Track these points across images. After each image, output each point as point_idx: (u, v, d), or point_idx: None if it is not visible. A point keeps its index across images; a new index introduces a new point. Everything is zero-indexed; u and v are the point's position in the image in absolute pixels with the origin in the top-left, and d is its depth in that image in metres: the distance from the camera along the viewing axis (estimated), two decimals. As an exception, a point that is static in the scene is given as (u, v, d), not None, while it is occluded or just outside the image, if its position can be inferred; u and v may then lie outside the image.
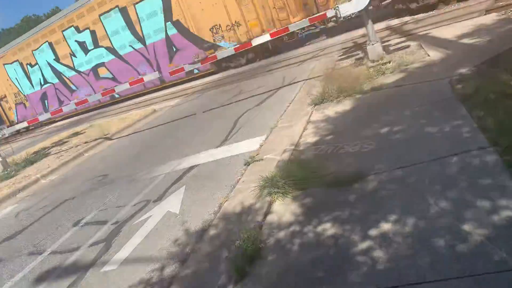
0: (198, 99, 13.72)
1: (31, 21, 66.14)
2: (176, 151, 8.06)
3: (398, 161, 4.10)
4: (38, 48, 23.89)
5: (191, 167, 6.75)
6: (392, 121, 5.15)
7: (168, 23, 18.57)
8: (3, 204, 8.70)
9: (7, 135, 12.11)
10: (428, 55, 7.59)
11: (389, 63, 7.96)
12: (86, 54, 21.84)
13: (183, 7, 17.84)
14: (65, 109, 12.08)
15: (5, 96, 27.84)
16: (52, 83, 24.48)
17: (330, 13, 8.33)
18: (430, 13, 12.93)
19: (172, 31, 18.67)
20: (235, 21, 16.84)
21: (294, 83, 10.17)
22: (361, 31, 13.78)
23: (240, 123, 8.33)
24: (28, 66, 25.04)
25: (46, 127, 24.95)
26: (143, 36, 19.52)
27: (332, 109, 6.57)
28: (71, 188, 8.19)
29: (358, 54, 10.09)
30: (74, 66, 22.74)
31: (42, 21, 64.15)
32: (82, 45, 21.72)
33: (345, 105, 6.57)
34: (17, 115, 27.79)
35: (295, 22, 13.85)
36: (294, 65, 12.97)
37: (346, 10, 7.93)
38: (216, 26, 17.46)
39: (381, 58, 8.22)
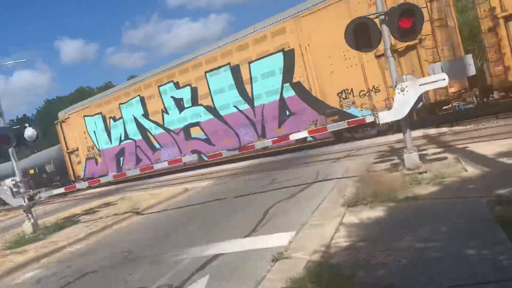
0: (229, 183, 13.91)
1: (85, 92, 70.82)
2: (203, 235, 8.03)
3: (432, 281, 3.95)
4: (126, 102, 23.57)
5: (217, 255, 6.67)
6: (427, 236, 5.04)
7: (286, 85, 17.56)
8: (27, 267, 8.74)
9: (43, 199, 12.47)
10: (466, 170, 7.56)
11: (425, 173, 7.95)
12: (180, 111, 21.24)
13: (308, 69, 16.88)
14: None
15: (77, 149, 27.34)
16: (133, 139, 23.81)
17: (369, 119, 8.56)
18: (468, 126, 13.07)
19: (289, 93, 17.55)
20: (373, 86, 15.76)
21: (328, 179, 10.22)
22: (397, 136, 14.02)
23: (270, 214, 8.31)
24: (111, 119, 24.55)
25: (81, 193, 25.52)
26: (252, 97, 18.43)
27: (366, 214, 6.51)
28: (95, 260, 8.19)
29: (394, 159, 10.15)
30: (163, 123, 22.13)
31: (95, 93, 68.90)
32: (178, 102, 21.21)
33: (379, 211, 6.50)
34: (84, 171, 27.05)
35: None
36: (329, 162, 13.12)
37: (385, 118, 8.16)
38: (346, 91, 16.25)
39: (417, 167, 8.23)
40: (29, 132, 12.47)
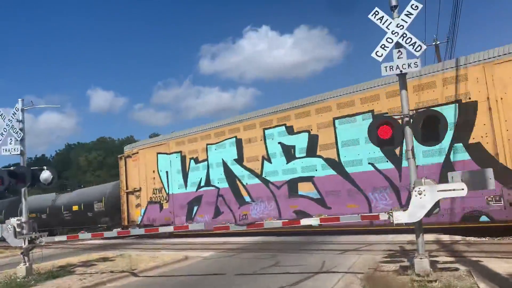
0: (231, 258, 13.57)
1: (106, 142, 72.36)
2: (197, 311, 7.72)
3: None
4: (217, 143, 20.47)
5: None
6: None
7: (458, 145, 13.87)
8: (11, 314, 8.45)
9: (43, 243, 12.31)
10: (478, 287, 7.27)
11: (435, 282, 7.66)
12: (288, 161, 17.95)
13: (496, 128, 13.19)
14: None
15: (139, 190, 23.89)
16: (216, 186, 20.37)
17: (383, 216, 8.46)
18: (483, 238, 12.75)
19: (461, 156, 13.76)
20: None
21: (333, 272, 9.90)
22: (409, 236, 13.70)
23: (269, 300, 8.00)
24: (191, 161, 21.38)
25: (81, 242, 25.08)
26: (400, 154, 14.50)
27: (369, 317, 6.21)
28: (82, 319, 7.89)
29: (404, 261, 9.84)
30: (261, 172, 18.74)
31: (116, 145, 70.11)
32: (287, 149, 17.99)
33: (383, 316, 6.21)
34: (143, 216, 23.43)
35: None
36: (336, 252, 12.79)
37: (399, 218, 8.05)
38: None
39: (427, 275, 7.94)
40: (46, 174, 12.66)
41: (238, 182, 19.58)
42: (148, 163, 23.38)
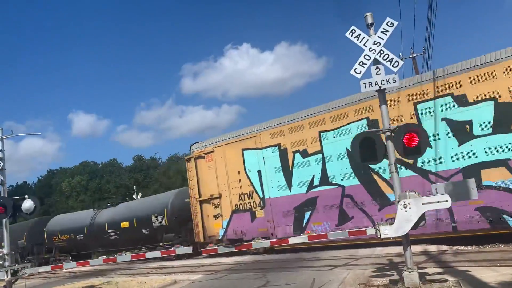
0: (221, 280, 13.40)
1: (89, 165, 71.40)
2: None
3: None
4: (336, 129, 16.07)
5: None
6: None
7: None
8: None
9: (27, 274, 12.00)
10: (467, 298, 7.30)
11: (425, 295, 7.69)
12: (461, 143, 13.46)
13: None
14: (292, 240, 9.60)
15: (219, 197, 19.45)
16: (339, 184, 15.94)
17: (370, 231, 8.50)
18: (470, 247, 12.87)
19: None
20: None
21: (323, 290, 9.86)
22: (397, 248, 13.76)
23: (261, 322, 7.90)
24: (296, 154, 17.08)
25: (66, 271, 24.46)
26: None
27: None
28: None
29: (393, 275, 9.86)
30: (415, 161, 14.06)
31: (99, 169, 69.10)
32: (459, 127, 13.47)
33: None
34: (226, 230, 18.95)
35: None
36: (326, 268, 12.74)
37: (386, 232, 8.10)
38: None
39: (416, 288, 7.97)
40: (27, 204, 12.41)
41: (375, 176, 15.12)
42: (230, 163, 19.08)
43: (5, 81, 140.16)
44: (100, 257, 11.73)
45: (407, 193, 8.15)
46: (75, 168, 71.36)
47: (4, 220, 12.28)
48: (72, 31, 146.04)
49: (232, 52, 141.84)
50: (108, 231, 26.06)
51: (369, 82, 8.70)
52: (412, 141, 8.10)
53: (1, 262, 11.70)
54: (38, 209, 12.71)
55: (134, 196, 44.17)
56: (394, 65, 8.59)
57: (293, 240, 9.16)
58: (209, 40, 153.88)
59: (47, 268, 11.96)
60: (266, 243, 9.49)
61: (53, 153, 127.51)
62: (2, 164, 12.38)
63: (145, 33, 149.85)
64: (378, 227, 8.30)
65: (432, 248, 13.69)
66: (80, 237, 28.00)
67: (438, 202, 7.79)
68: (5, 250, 11.89)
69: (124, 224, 25.04)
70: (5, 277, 11.58)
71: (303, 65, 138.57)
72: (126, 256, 12.31)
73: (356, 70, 8.80)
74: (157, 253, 11.01)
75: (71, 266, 11.97)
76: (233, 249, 9.80)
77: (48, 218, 33.54)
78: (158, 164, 73.21)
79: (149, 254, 10.80)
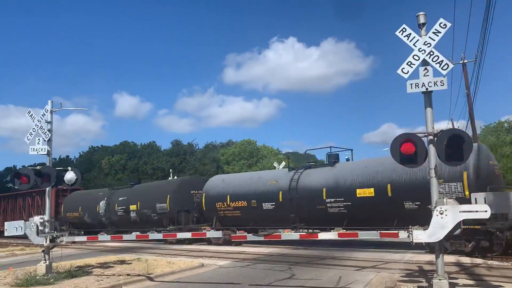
0: (247, 268, 13.54)
1: (129, 146, 73.34)
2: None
3: None
4: None
5: None
6: None
7: None
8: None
9: (64, 242, 12.56)
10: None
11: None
12: None
13: None
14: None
15: None
16: None
17: (402, 234, 8.35)
18: (506, 263, 12.41)
19: None
20: None
21: (349, 289, 9.80)
22: (428, 256, 13.45)
23: (283, 313, 7.95)
24: None
25: (99, 244, 25.37)
26: None
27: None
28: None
29: (422, 282, 9.68)
30: None
31: (138, 150, 70.76)
32: None
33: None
34: None
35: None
36: (353, 268, 12.63)
37: (419, 237, 7.94)
38: None
39: (446, 297, 7.78)
40: (70, 175, 12.96)
41: None
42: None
43: (57, 58, 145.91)
44: (133, 233, 12.10)
45: (445, 200, 7.95)
46: (115, 147, 73.50)
47: (47, 188, 12.88)
48: (123, 13, 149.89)
49: (278, 45, 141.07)
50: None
51: (415, 83, 8.50)
52: (455, 147, 7.85)
53: (42, 228, 12.28)
54: (79, 181, 13.23)
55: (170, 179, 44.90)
56: (444, 68, 8.35)
57: (323, 236, 9.10)
58: (256, 31, 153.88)
59: (83, 238, 12.45)
60: (296, 236, 9.49)
61: (96, 130, 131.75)
62: (50, 135, 12.94)
63: (194, 20, 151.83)
64: (411, 231, 8.13)
65: (466, 260, 13.28)
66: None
67: (477, 211, 7.54)
68: (46, 217, 12.47)
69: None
70: (44, 242, 12.15)
71: (348, 63, 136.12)
72: (158, 235, 12.64)
73: (403, 70, 8.61)
74: (187, 234, 11.25)
75: (105, 239, 12.39)
76: (262, 238, 9.85)
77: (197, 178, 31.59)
78: (195, 151, 74.34)
79: (180, 235, 11.08)
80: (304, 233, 10.16)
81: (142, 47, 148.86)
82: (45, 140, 12.93)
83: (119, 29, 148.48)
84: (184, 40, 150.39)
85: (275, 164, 43.66)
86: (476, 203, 7.70)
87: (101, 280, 11.45)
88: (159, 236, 12.35)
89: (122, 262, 15.19)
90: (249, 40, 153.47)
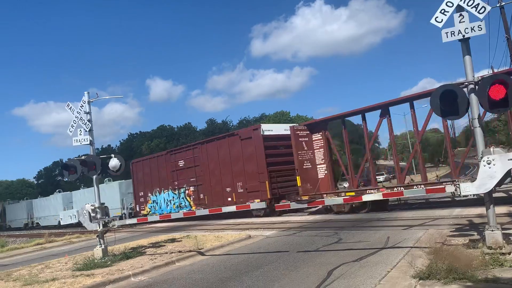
0: (293, 236, 13.70)
1: (166, 130, 74.72)
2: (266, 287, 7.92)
3: None
4: None
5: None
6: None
7: None
8: (92, 291, 9.12)
9: (116, 226, 13.09)
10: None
11: (509, 254, 7.34)
12: None
13: None
14: None
15: None
16: None
17: (449, 188, 8.16)
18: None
19: None
20: None
21: (398, 247, 9.74)
22: (478, 210, 13.13)
23: (335, 275, 8.02)
24: None
25: (148, 226, 26.35)
26: None
27: (439, 290, 6.08)
28: (156, 295, 8.36)
29: (473, 235, 9.48)
30: None
31: (175, 132, 71.89)
32: None
33: (454, 289, 6.06)
34: None
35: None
36: (400, 228, 12.54)
37: (467, 190, 7.73)
38: None
39: (499, 247, 7.61)
40: (114, 162, 13.37)
41: None
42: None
43: (91, 51, 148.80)
44: (180, 211, 12.43)
45: (491, 149, 7.67)
46: (153, 131, 75.06)
47: (94, 177, 13.37)
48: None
49: (304, 10, 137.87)
50: None
51: (451, 31, 8.13)
52: (498, 93, 7.51)
53: (94, 215, 12.83)
54: (123, 167, 13.64)
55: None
56: (480, 11, 7.91)
57: (367, 198, 9.02)
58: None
59: (134, 220, 12.93)
60: (339, 200, 9.45)
61: (134, 117, 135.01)
62: (90, 125, 13.35)
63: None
64: (458, 184, 7.93)
65: (518, 209, 12.89)
66: None
67: (528, 158, 7.24)
68: (96, 204, 13.00)
69: None
70: (98, 227, 12.71)
71: (380, 21, 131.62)
72: (204, 211, 12.95)
73: (437, 19, 8.24)
74: (232, 208, 11.43)
75: (154, 219, 12.81)
76: (305, 206, 9.88)
77: None
78: (230, 128, 74.84)
79: (224, 209, 11.26)
80: (348, 197, 10.08)
81: (168, 31, 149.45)
82: (86, 131, 13.35)
83: (145, 16, 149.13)
84: (209, 18, 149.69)
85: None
86: (525, 149, 7.37)
87: (155, 258, 11.92)
88: (205, 211, 12.63)
89: (173, 240, 15.72)
90: (275, 8, 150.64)
